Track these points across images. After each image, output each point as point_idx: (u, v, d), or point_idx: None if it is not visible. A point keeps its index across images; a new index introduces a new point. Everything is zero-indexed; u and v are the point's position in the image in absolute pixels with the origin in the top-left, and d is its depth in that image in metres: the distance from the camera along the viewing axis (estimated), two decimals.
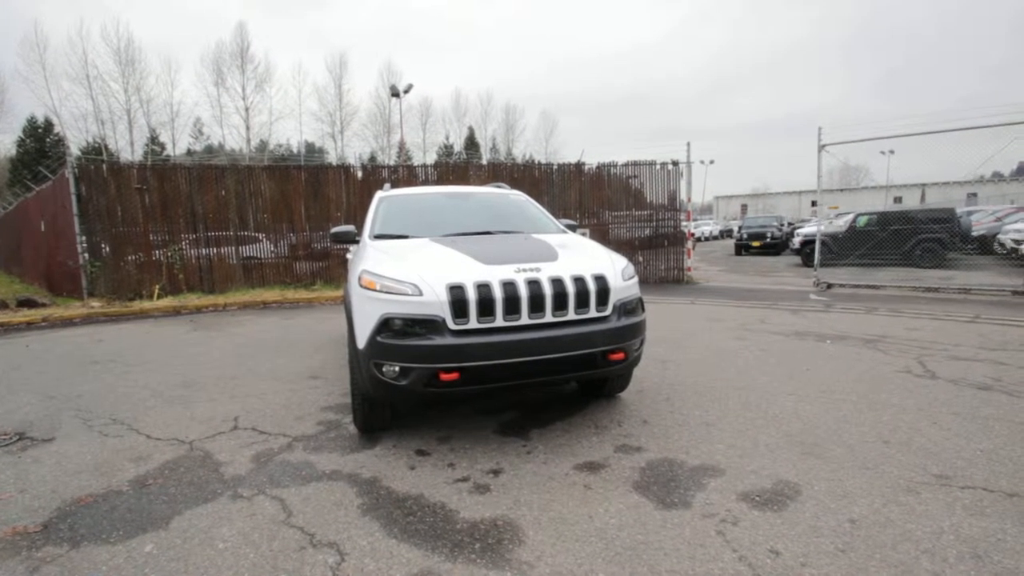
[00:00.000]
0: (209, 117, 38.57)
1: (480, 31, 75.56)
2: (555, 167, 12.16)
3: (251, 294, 10.21)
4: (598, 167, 12.09)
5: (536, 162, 12.17)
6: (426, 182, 11.95)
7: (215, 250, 10.69)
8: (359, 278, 3.02)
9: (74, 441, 3.44)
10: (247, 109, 37.56)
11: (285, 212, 11.21)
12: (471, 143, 48.58)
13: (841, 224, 17.08)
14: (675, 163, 12.05)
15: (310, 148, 42.68)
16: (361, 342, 2.90)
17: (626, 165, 12.08)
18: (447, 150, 47.00)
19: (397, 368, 2.75)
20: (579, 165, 12.06)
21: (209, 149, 37.94)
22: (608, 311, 2.98)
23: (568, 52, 74.15)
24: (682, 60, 74.34)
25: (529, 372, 2.82)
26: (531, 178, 11.82)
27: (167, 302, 9.50)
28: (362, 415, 3.19)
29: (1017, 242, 12.65)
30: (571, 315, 2.85)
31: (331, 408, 3.90)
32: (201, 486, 2.75)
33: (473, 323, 2.70)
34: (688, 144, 11.90)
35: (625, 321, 2.99)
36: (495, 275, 2.77)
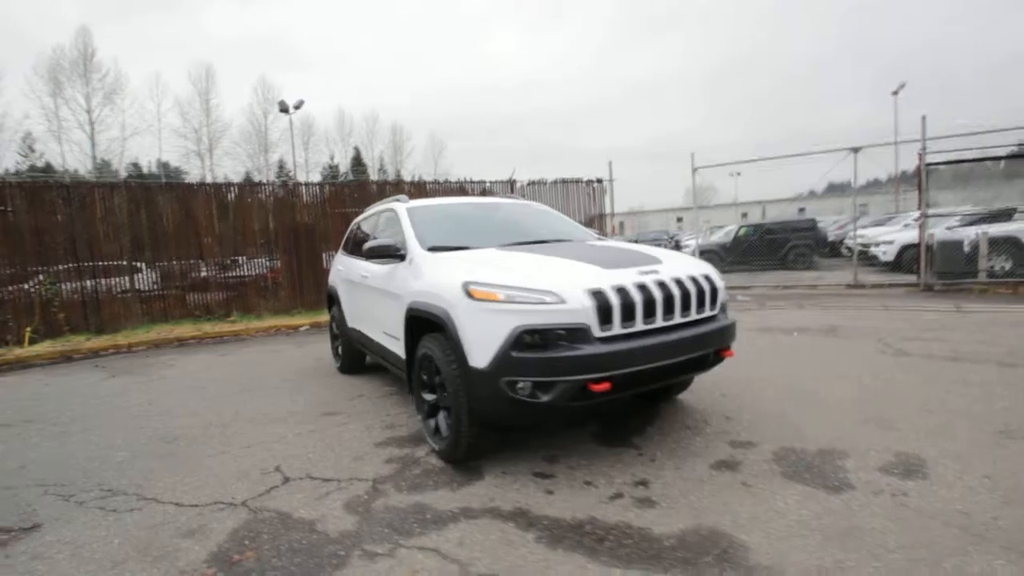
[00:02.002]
0: (44, 132, 32.57)
1: (359, 50, 73.56)
2: (488, 184, 12.18)
3: (157, 331, 8.71)
4: (529, 183, 12.35)
5: (468, 180, 12.07)
6: (380, 195, 11.27)
7: (103, 282, 8.99)
8: (465, 290, 2.74)
9: (74, 524, 2.64)
10: (92, 123, 32.38)
11: (192, 235, 9.82)
12: (357, 163, 46.89)
13: (722, 236, 19.42)
14: (599, 180, 12.75)
15: (166, 168, 37.97)
16: (481, 360, 2.62)
17: (555, 183, 12.50)
18: (332, 170, 44.79)
19: (532, 384, 2.53)
20: (511, 182, 12.22)
21: (48, 168, 31.88)
22: (717, 310, 3.04)
23: (451, 76, 75.04)
24: (558, 89, 79.26)
25: (664, 375, 2.78)
26: (458, 195, 11.69)
27: (47, 347, 7.74)
28: (467, 443, 2.87)
29: (865, 245, 15.26)
30: (693, 315, 2.87)
31: (387, 443, 3.46)
32: (311, 551, 2.27)
33: (617, 329, 2.59)
34: (610, 163, 12.68)
35: (731, 319, 3.08)
36: (626, 279, 2.70)
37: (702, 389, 4.11)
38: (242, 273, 10.34)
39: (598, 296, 2.56)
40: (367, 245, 3.73)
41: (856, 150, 15.90)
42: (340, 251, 5.72)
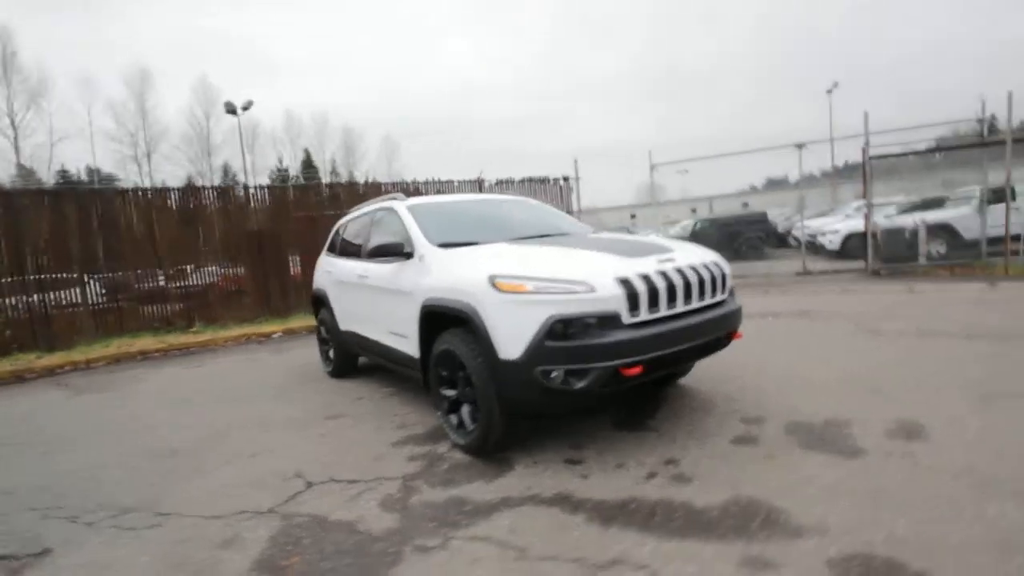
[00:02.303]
0: None
1: (305, 51, 71.24)
2: (456, 183, 12.14)
3: (117, 344, 8.21)
4: (497, 182, 12.39)
5: (436, 179, 11.99)
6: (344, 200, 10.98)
7: (51, 295, 8.38)
8: (491, 283, 2.76)
9: (89, 545, 2.49)
10: (15, 128, 29.99)
11: (147, 243, 9.31)
12: (308, 165, 45.53)
13: (679, 230, 20.13)
14: (566, 179, 12.96)
15: (98, 174, 35.62)
16: (513, 352, 2.65)
17: (522, 181, 12.60)
18: (281, 173, 43.29)
19: (566, 372, 2.59)
20: (479, 181, 12.23)
21: None
22: (727, 294, 3.20)
23: (400, 79, 73.77)
24: (506, 93, 79.58)
25: (685, 357, 2.90)
26: (424, 195, 11.60)
27: None
28: (497, 435, 2.89)
29: (812, 235, 16.18)
30: (707, 300, 3.00)
31: (403, 442, 3.43)
32: (360, 551, 2.25)
33: (644, 315, 2.68)
34: (575, 161, 12.91)
35: (738, 302, 3.24)
36: (648, 267, 2.79)
37: (699, 372, 4.29)
38: (200, 281, 9.86)
39: (626, 284, 2.65)
40: (372, 244, 3.68)
41: (800, 146, 16.78)
42: (325, 253, 5.59)
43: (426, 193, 11.64)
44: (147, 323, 9.23)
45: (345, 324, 4.88)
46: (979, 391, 3.34)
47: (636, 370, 2.61)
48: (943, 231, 11.49)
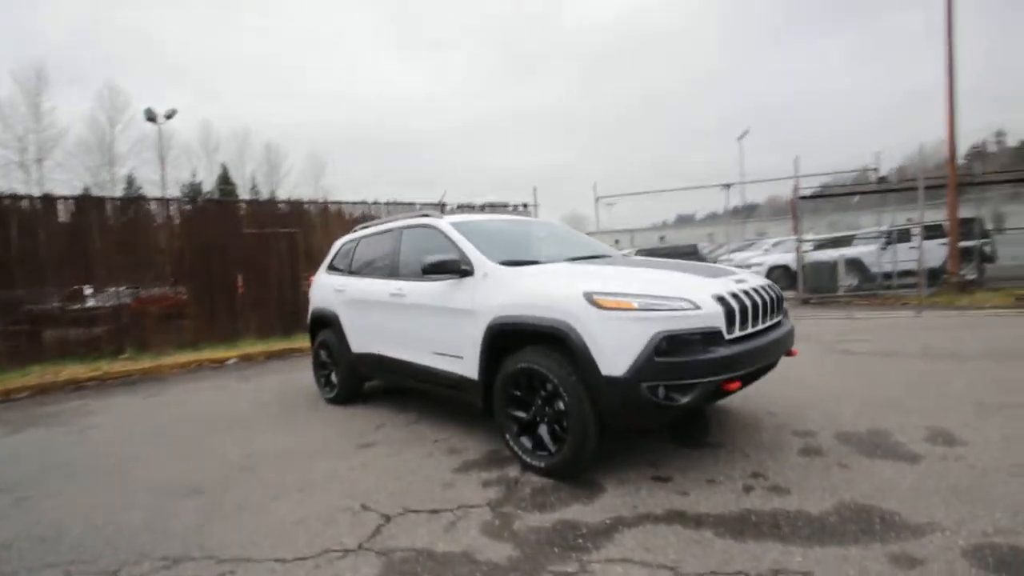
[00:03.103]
0: None
1: (221, 62, 67.22)
2: (419, 205, 11.97)
3: (39, 374, 7.10)
4: (459, 206, 12.38)
5: (396, 201, 11.75)
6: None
7: None
8: (589, 300, 2.77)
9: None
10: None
11: (80, 260, 8.26)
12: (225, 181, 42.65)
13: None
14: (525, 205, 13.21)
15: None
16: (617, 368, 2.66)
17: (483, 206, 12.68)
18: (194, 188, 40.16)
19: (670, 387, 2.64)
20: (441, 205, 12.14)
21: None
22: (784, 315, 3.43)
23: (329, 93, 71.47)
24: (432, 115, 79.95)
25: (762, 372, 3.07)
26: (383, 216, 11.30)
27: None
28: (591, 453, 2.86)
29: (737, 267, 17.66)
30: (772, 319, 3.20)
31: (465, 468, 3.27)
32: None
33: (737, 331, 2.81)
34: (534, 188, 13.23)
35: (791, 323, 3.48)
36: (731, 287, 2.94)
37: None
38: (110, 303, 8.73)
39: (723, 302, 2.77)
40: (409, 262, 3.54)
41: (728, 186, 18.33)
42: (328, 272, 5.28)
43: (393, 213, 11.39)
44: (69, 349, 8.09)
45: (361, 346, 4.60)
46: (973, 403, 3.80)
47: (736, 385, 2.72)
48: (855, 265, 13.01)
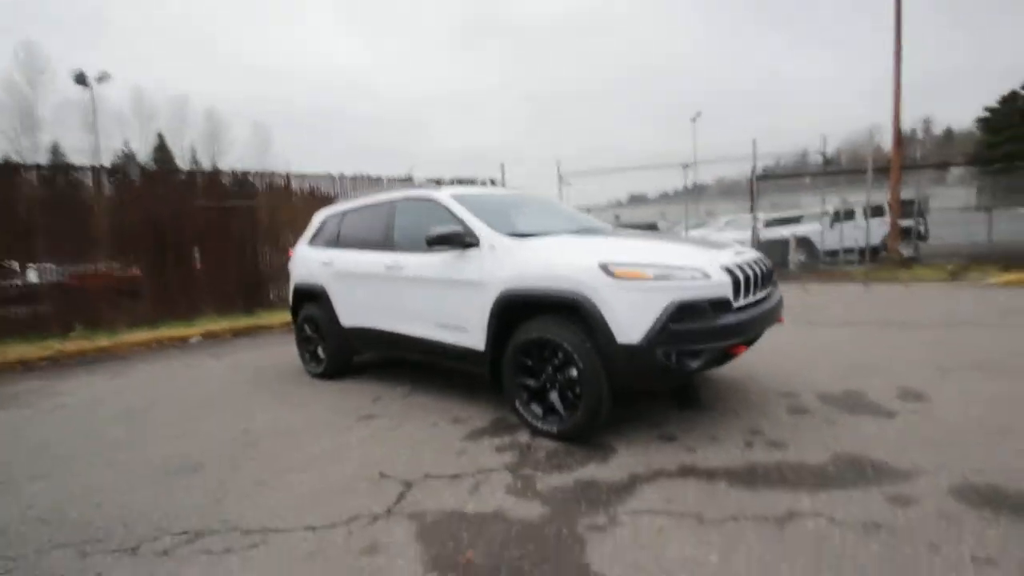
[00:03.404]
0: None
1: (150, 25, 61.83)
2: (385, 180, 11.69)
3: None
4: (427, 181, 12.17)
5: (366, 175, 11.41)
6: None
7: None
8: (605, 270, 2.85)
9: (193, 567, 2.10)
10: None
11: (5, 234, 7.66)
12: (162, 150, 40.04)
13: None
14: (493, 182, 13.15)
15: None
16: (634, 336, 2.77)
17: (452, 182, 12.52)
18: (127, 158, 37.41)
19: (683, 352, 2.78)
20: (409, 180, 11.91)
21: None
22: (774, 286, 3.63)
23: (273, 65, 67.53)
24: (380, 90, 77.17)
25: (758, 338, 3.27)
26: (359, 190, 10.99)
27: None
28: (604, 416, 2.98)
29: None
30: (766, 289, 3.40)
31: (475, 435, 3.34)
32: (534, 537, 2.21)
33: (741, 300, 2.97)
34: (502, 164, 13.17)
35: (780, 293, 3.70)
36: (732, 259, 3.10)
37: None
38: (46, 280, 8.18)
39: (730, 273, 2.92)
40: (434, 233, 3.51)
41: (686, 166, 18.82)
42: (312, 245, 5.13)
43: (360, 188, 11.10)
44: (9, 328, 7.52)
45: (353, 319, 4.53)
46: (933, 366, 4.19)
47: (743, 349, 2.90)
48: (805, 243, 13.77)
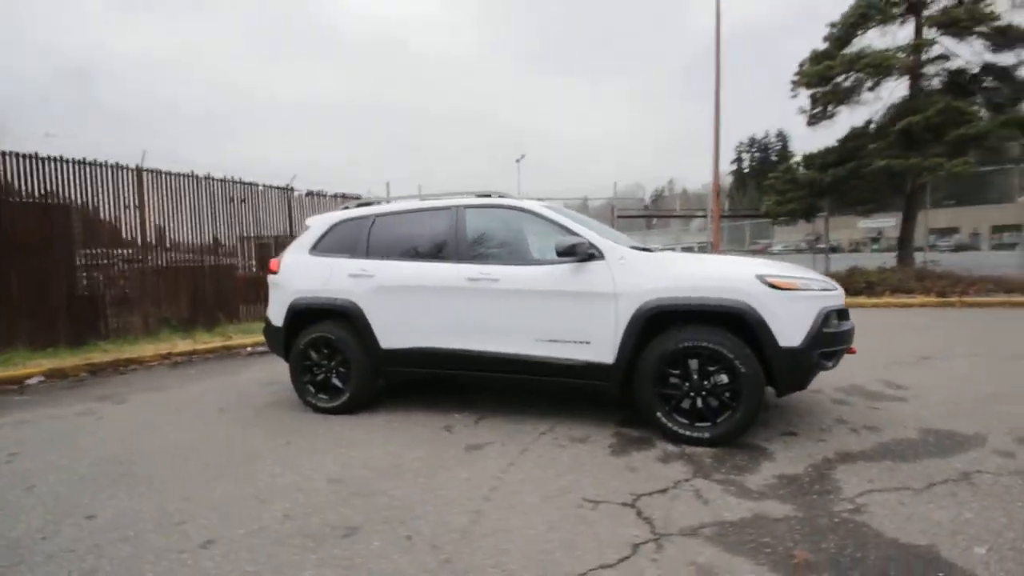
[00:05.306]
0: None
1: None
2: (261, 187, 10.12)
3: None
4: (308, 193, 10.94)
5: (239, 179, 9.65)
6: None
7: None
8: (764, 282, 3.15)
9: None
10: None
11: None
12: None
13: None
14: (358, 196, 12.45)
15: None
16: (795, 340, 3.09)
17: (335, 196, 11.47)
18: None
19: (821, 354, 3.22)
20: (289, 189, 10.56)
21: None
22: None
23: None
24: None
25: None
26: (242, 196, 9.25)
27: None
28: (754, 420, 3.22)
29: None
30: None
31: (618, 452, 3.25)
32: (831, 529, 2.35)
33: None
34: (387, 183, 12.55)
35: None
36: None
37: None
38: None
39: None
40: (563, 244, 3.36)
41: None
42: (318, 253, 4.29)
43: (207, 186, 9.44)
44: None
45: (402, 340, 3.93)
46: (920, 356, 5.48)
47: (854, 350, 3.46)
48: None
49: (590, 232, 3.59)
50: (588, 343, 3.48)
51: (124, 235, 8.30)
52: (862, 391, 4.43)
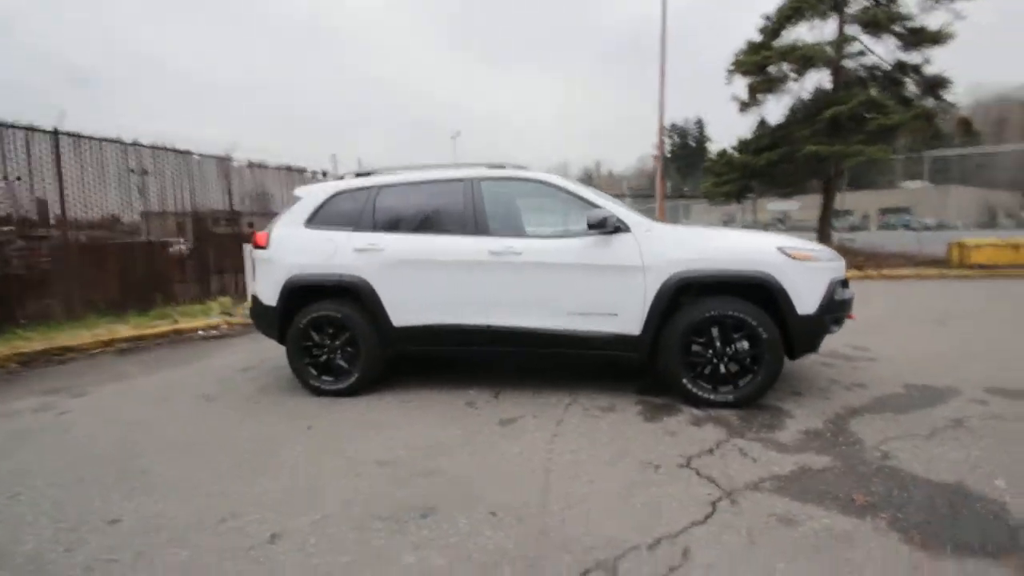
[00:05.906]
0: None
1: None
2: (198, 157, 9.20)
3: None
4: (249, 164, 10.11)
5: (172, 147, 8.66)
6: None
7: None
8: (784, 253, 3.33)
9: None
10: None
11: None
12: None
13: None
14: (324, 173, 11.76)
15: None
16: (810, 307, 3.31)
17: (278, 168, 10.70)
18: None
19: (829, 320, 3.48)
20: (227, 159, 9.70)
21: None
22: None
23: None
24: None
25: None
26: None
27: None
28: (773, 382, 3.41)
29: None
30: None
31: (653, 418, 3.35)
32: (876, 476, 2.56)
33: None
34: (333, 155, 11.87)
35: None
36: None
37: None
38: None
39: None
40: (595, 217, 3.35)
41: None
42: (316, 227, 3.99)
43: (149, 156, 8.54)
44: None
45: (417, 316, 3.77)
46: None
47: (853, 316, 3.75)
48: None
49: (615, 205, 3.61)
50: (616, 315, 3.52)
51: (39, 208, 7.26)
52: (838, 354, 4.84)
